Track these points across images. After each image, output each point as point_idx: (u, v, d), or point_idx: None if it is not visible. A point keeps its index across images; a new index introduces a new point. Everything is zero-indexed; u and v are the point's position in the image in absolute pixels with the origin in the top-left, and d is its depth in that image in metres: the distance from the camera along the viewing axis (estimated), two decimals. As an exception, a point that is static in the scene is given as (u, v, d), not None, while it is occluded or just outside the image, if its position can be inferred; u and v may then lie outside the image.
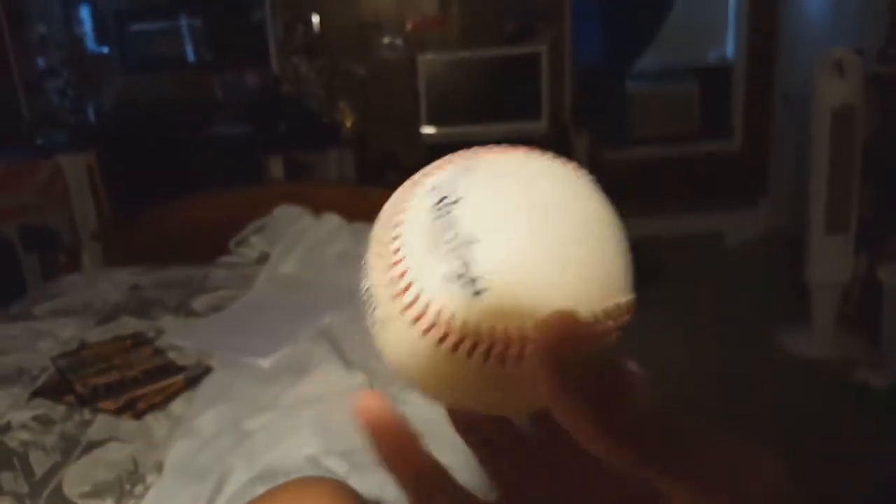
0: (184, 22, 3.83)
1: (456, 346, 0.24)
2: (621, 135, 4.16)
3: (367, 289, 0.26)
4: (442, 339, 0.24)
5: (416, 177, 0.27)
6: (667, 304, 2.83)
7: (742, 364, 2.67)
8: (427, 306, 0.24)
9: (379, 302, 0.26)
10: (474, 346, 0.24)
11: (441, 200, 0.25)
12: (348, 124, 3.72)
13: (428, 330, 0.24)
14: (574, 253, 0.24)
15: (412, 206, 0.26)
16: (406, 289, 0.24)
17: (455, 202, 0.25)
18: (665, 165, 4.06)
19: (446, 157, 0.27)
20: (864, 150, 2.59)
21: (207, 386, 1.40)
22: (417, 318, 0.24)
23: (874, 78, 2.66)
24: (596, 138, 3.74)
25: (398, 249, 0.25)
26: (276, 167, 3.48)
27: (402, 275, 0.25)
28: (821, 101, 2.57)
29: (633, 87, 4.31)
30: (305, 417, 1.21)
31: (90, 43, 3.85)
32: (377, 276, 0.26)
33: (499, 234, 0.24)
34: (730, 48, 4.15)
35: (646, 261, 3.59)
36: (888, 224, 2.73)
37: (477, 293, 0.23)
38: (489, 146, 0.28)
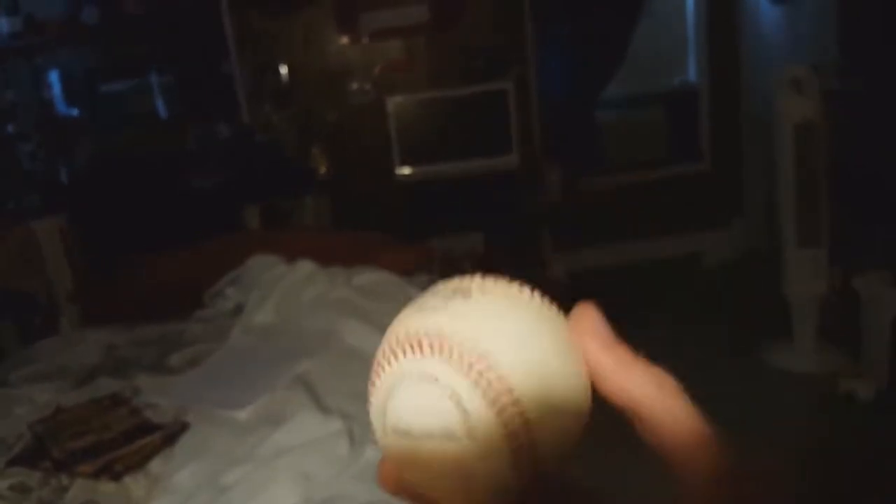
0: (154, 79, 3.85)
1: None
2: (594, 164, 4.21)
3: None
4: None
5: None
6: (649, 327, 2.84)
7: (727, 383, 2.66)
8: None
9: None
10: None
11: None
12: (323, 170, 3.74)
13: None
14: None
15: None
16: None
17: None
18: (638, 192, 4.09)
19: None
20: (830, 162, 2.63)
21: (184, 442, 1.39)
22: None
23: (831, 93, 2.71)
24: (568, 169, 3.78)
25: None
26: (252, 217, 3.48)
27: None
28: (782, 119, 2.62)
29: (601, 116, 4.37)
30: (283, 467, 1.20)
31: (60, 106, 3.86)
32: None
33: None
34: (692, 72, 4.23)
35: (626, 286, 3.61)
36: (859, 235, 2.76)
37: None
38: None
